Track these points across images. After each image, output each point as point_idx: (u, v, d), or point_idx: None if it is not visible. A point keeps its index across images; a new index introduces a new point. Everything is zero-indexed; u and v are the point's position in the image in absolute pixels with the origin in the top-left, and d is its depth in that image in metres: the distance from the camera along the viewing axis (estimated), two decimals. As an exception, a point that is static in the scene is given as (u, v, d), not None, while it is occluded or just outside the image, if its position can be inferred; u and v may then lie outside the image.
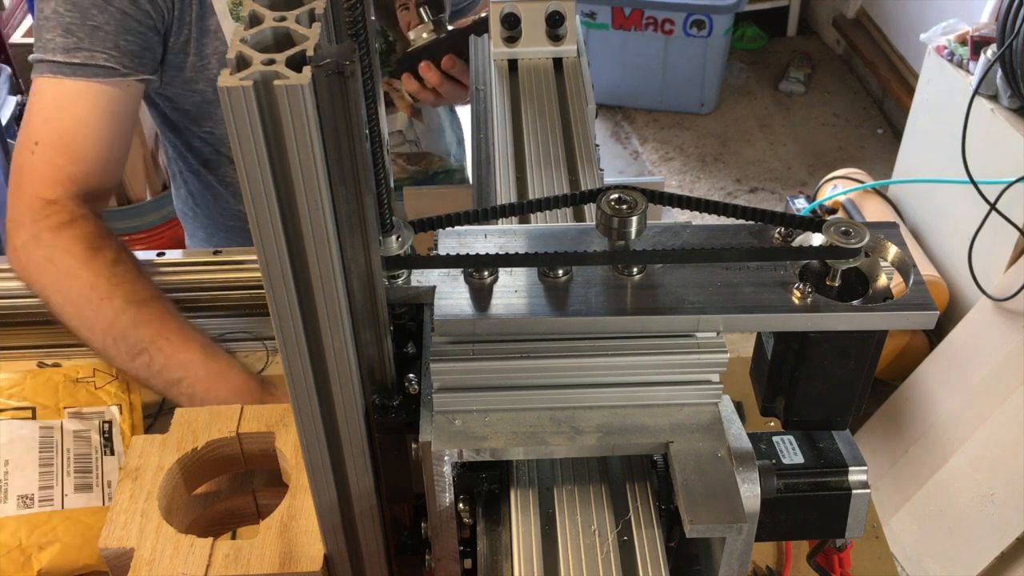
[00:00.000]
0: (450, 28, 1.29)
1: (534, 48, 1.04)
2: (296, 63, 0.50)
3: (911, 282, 0.65)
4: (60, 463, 0.98)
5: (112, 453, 1.02)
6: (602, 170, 0.92)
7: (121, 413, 1.05)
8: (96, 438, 1.01)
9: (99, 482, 1.00)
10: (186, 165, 1.39)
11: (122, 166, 1.16)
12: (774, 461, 0.70)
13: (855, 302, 0.64)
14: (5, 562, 0.91)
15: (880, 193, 2.60)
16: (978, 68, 2.11)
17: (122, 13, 1.08)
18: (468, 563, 0.72)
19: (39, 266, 1.05)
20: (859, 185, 2.57)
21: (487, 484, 0.68)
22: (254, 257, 0.61)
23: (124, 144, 1.15)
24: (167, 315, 1.04)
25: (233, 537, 0.96)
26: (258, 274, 0.57)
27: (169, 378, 1.01)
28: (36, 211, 1.06)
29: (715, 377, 0.66)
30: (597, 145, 0.94)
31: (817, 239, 0.67)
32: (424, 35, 1.27)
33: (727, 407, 0.67)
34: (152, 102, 1.28)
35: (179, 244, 2.63)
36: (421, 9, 1.27)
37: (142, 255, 1.17)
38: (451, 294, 0.65)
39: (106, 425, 1.03)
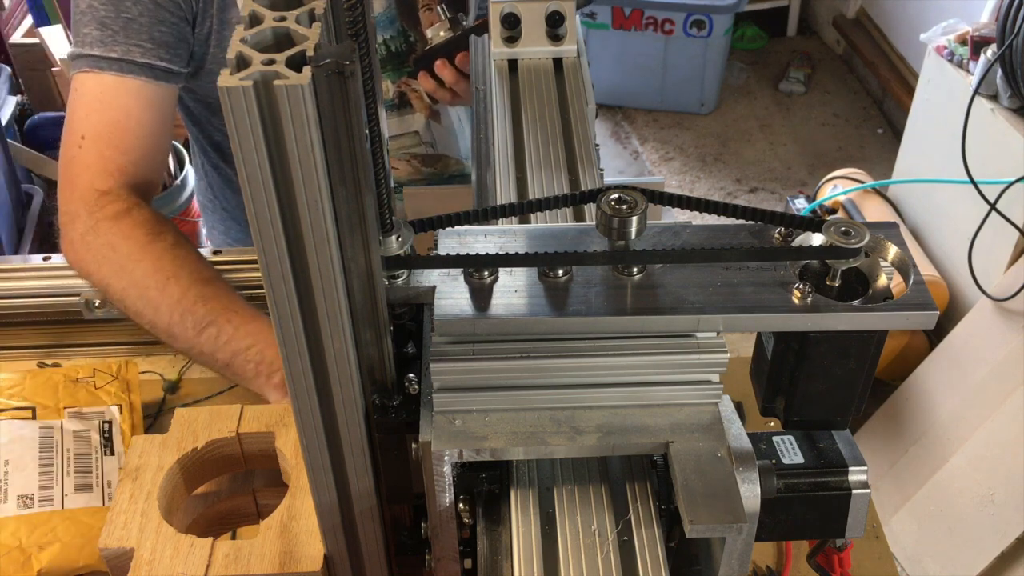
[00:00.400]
0: (466, 25, 1.28)
1: (534, 48, 1.04)
2: (296, 63, 0.50)
3: (911, 282, 0.65)
4: (60, 463, 0.98)
5: (112, 453, 1.02)
6: (602, 170, 0.92)
7: (121, 413, 1.05)
8: (96, 438, 1.01)
9: (99, 482, 1.00)
10: (207, 158, 1.40)
11: (167, 156, 1.21)
12: (774, 461, 0.70)
13: (855, 302, 0.64)
14: (5, 562, 0.91)
15: (880, 193, 2.60)
16: (978, 68, 2.11)
17: (155, 4, 1.08)
18: (468, 563, 0.72)
19: (100, 254, 1.07)
20: (859, 185, 2.57)
21: (487, 484, 0.68)
22: (254, 257, 0.61)
23: (167, 134, 1.16)
24: (231, 292, 1.06)
25: (233, 537, 0.96)
26: (258, 274, 0.57)
27: (236, 347, 1.02)
28: (91, 203, 1.07)
29: (715, 377, 0.66)
30: (597, 145, 0.94)
31: (817, 239, 0.67)
32: (441, 33, 1.26)
33: (727, 407, 0.67)
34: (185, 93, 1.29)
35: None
36: (439, 7, 1.27)
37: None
38: (451, 294, 0.65)
39: (106, 425, 1.03)
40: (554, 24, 1.03)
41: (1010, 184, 1.94)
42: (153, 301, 1.04)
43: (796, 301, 0.64)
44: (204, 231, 1.58)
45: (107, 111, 1.09)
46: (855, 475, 0.70)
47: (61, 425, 1.01)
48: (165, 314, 1.04)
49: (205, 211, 1.53)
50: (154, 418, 1.12)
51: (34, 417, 1.01)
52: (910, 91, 2.65)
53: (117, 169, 1.09)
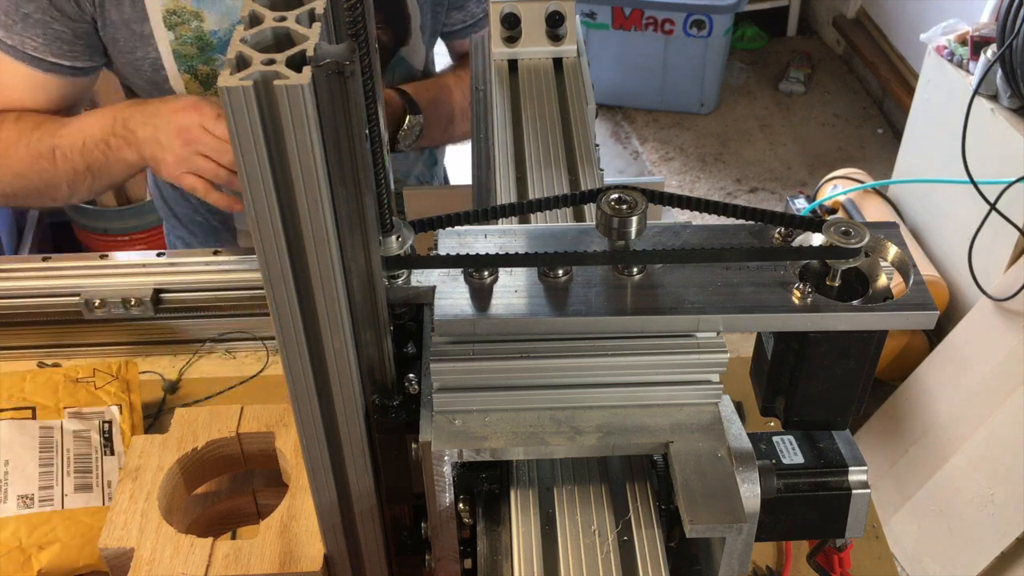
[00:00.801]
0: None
1: (534, 48, 1.04)
2: (296, 63, 0.50)
3: (911, 282, 0.65)
4: (60, 463, 0.98)
5: (112, 453, 1.02)
6: (602, 170, 0.92)
7: (121, 413, 1.05)
8: (96, 438, 1.01)
9: (99, 482, 1.00)
10: None
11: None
12: (774, 461, 0.70)
13: (855, 302, 0.64)
14: (5, 562, 0.91)
15: (880, 193, 2.60)
16: (978, 68, 2.11)
17: (49, 3, 1.16)
18: (468, 563, 0.72)
19: None
20: (859, 185, 2.57)
21: (487, 484, 0.68)
22: (253, 257, 0.62)
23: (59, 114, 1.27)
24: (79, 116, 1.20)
25: (233, 537, 0.96)
26: (258, 274, 0.57)
27: (70, 142, 1.17)
28: None
29: (715, 377, 0.66)
30: (597, 145, 0.94)
31: (817, 239, 0.67)
32: None
33: (727, 407, 0.67)
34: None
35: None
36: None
37: (142, 255, 1.17)
38: (451, 294, 0.65)
39: (106, 425, 1.03)
40: (554, 24, 1.03)
41: (1010, 184, 1.94)
42: (18, 160, 1.19)
43: (796, 301, 0.64)
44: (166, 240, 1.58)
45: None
46: (855, 475, 0.70)
47: (61, 425, 1.01)
48: (27, 164, 1.19)
49: (164, 220, 1.55)
50: (154, 418, 1.12)
51: (34, 417, 1.01)
52: (910, 91, 2.65)
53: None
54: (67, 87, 1.23)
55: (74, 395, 1.04)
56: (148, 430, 1.10)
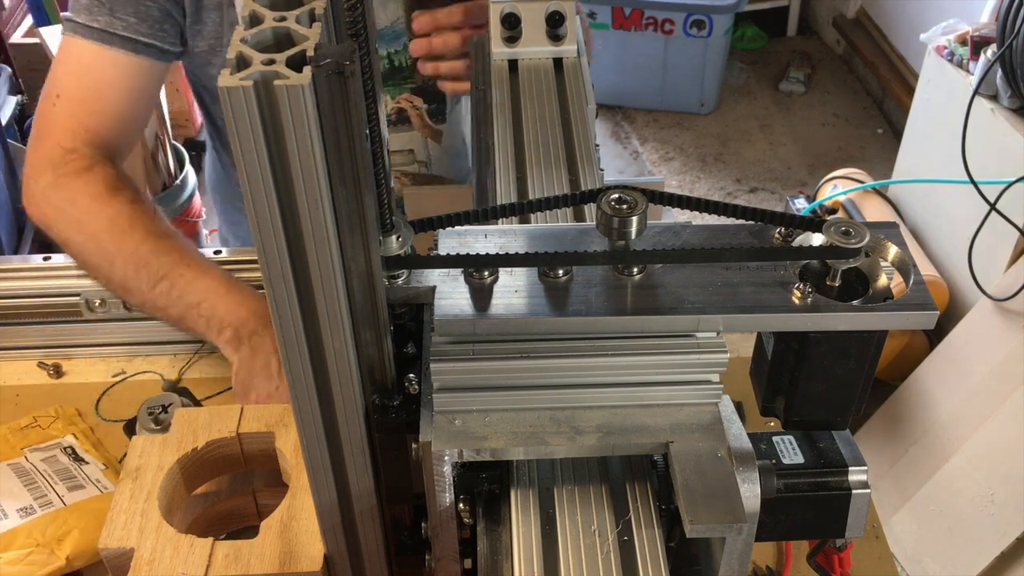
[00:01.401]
0: None
1: (534, 48, 1.04)
2: (296, 63, 0.50)
3: (911, 282, 0.65)
4: (44, 481, 0.99)
5: (87, 463, 1.03)
6: (602, 170, 0.92)
7: (77, 438, 1.06)
8: (64, 458, 1.03)
9: (89, 481, 1.00)
10: (213, 142, 1.42)
11: (141, 127, 1.21)
12: (774, 461, 0.70)
13: (855, 302, 0.64)
14: (30, 563, 0.91)
15: (880, 193, 2.60)
16: (978, 68, 2.11)
17: None
18: (468, 563, 0.72)
19: (59, 209, 1.09)
20: (859, 185, 2.57)
21: (487, 484, 0.68)
22: (254, 257, 0.61)
23: (144, 106, 1.19)
24: (186, 247, 1.08)
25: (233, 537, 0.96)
26: (258, 274, 0.57)
27: (189, 301, 1.04)
28: (56, 159, 1.09)
29: (715, 377, 0.66)
30: (597, 145, 0.94)
31: (817, 239, 0.67)
32: None
33: (727, 407, 0.67)
34: (188, 76, 1.30)
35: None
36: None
37: (142, 255, 1.17)
38: (451, 294, 0.65)
39: (68, 449, 1.04)
40: (554, 24, 1.03)
41: (1010, 184, 1.94)
42: (109, 254, 1.06)
43: (796, 301, 0.64)
44: (205, 231, 1.58)
45: (84, 76, 1.11)
46: (855, 475, 0.70)
47: (27, 459, 1.02)
48: (120, 268, 1.06)
49: (215, 192, 1.54)
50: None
51: (-3, 464, 1.02)
52: (910, 91, 2.65)
53: (85, 130, 1.11)
54: (154, 74, 1.15)
55: (26, 438, 1.05)
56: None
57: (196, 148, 3.11)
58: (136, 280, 1.06)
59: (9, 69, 2.78)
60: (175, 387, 1.15)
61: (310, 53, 0.51)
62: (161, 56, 1.15)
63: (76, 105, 1.12)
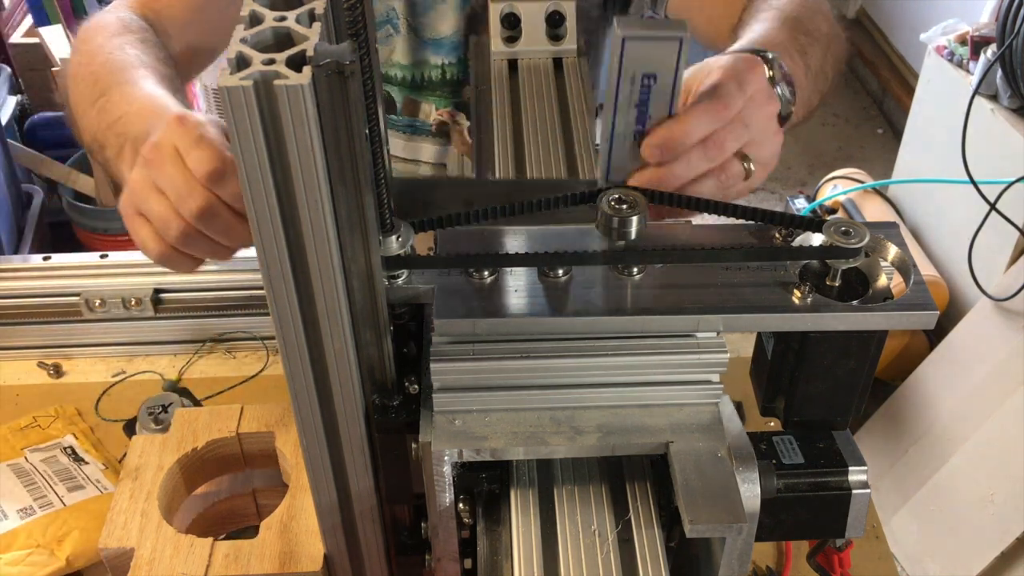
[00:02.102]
0: None
1: (534, 48, 1.04)
2: (296, 63, 0.50)
3: (911, 282, 0.65)
4: (44, 481, 0.99)
5: (87, 463, 1.03)
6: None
7: (77, 438, 1.06)
8: (64, 458, 1.03)
9: (88, 481, 1.00)
10: None
11: (195, 41, 1.04)
12: (774, 461, 0.70)
13: (855, 302, 0.64)
14: (29, 564, 0.91)
15: (880, 193, 2.60)
16: (978, 68, 2.11)
17: None
18: (468, 563, 0.72)
19: (78, 44, 0.97)
20: (859, 185, 2.57)
21: (487, 484, 0.68)
22: (253, 257, 0.61)
23: (207, 27, 1.03)
24: (156, 70, 0.90)
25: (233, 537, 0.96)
26: (258, 274, 0.57)
27: (111, 118, 0.84)
28: (107, 11, 0.99)
29: (715, 377, 0.66)
30: (597, 145, 0.94)
31: (817, 239, 0.67)
32: None
33: (727, 407, 0.67)
34: None
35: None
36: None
37: (142, 255, 1.17)
38: (451, 294, 0.65)
39: (68, 449, 1.04)
40: (554, 24, 1.03)
41: (1010, 184, 1.94)
42: (76, 72, 0.92)
43: (796, 301, 0.64)
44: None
45: None
46: (855, 475, 0.70)
47: (26, 458, 1.02)
48: (80, 82, 0.90)
49: None
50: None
51: (-3, 465, 1.02)
52: (910, 91, 2.65)
53: (145, 5, 1.01)
54: (223, 5, 0.98)
55: (26, 438, 1.05)
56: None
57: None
58: (86, 95, 0.88)
59: (9, 69, 2.78)
60: (175, 387, 1.14)
61: (310, 53, 0.51)
62: None
63: None
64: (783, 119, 0.77)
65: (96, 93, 0.87)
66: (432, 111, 1.30)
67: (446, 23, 1.22)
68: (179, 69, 0.97)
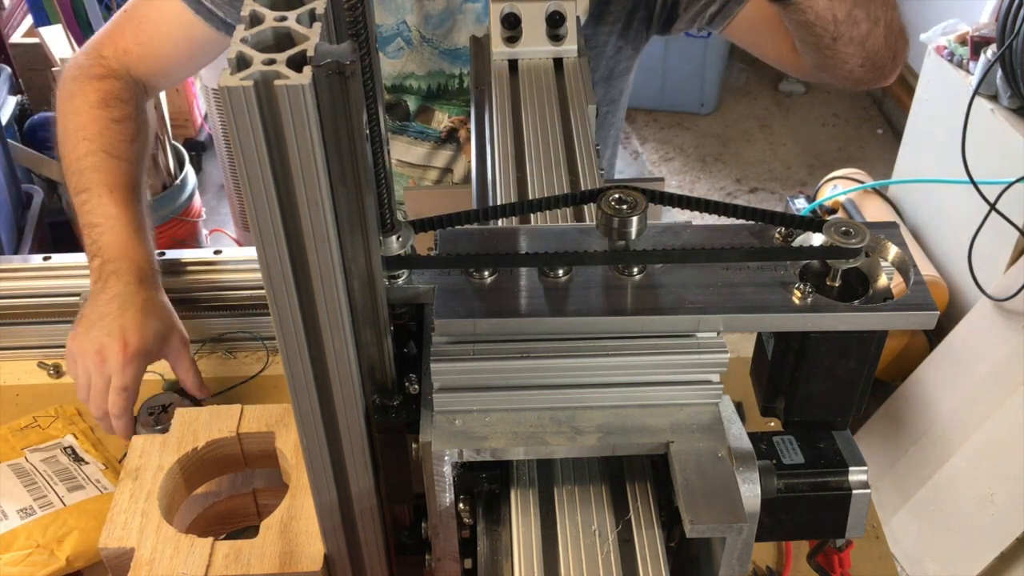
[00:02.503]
0: None
1: (534, 48, 1.04)
2: (297, 63, 0.50)
3: (911, 282, 0.65)
4: (44, 481, 0.99)
5: (87, 463, 1.03)
6: (602, 170, 0.92)
7: (77, 438, 1.06)
8: (64, 458, 1.02)
9: (88, 481, 1.00)
10: None
11: (174, 78, 1.25)
12: (774, 461, 0.70)
13: (855, 302, 0.64)
14: (30, 563, 0.91)
15: (880, 193, 2.60)
16: (978, 68, 2.11)
17: None
18: (468, 563, 0.72)
19: (64, 97, 1.16)
20: (859, 185, 2.57)
21: (487, 484, 0.68)
22: (254, 257, 0.61)
23: (185, 63, 1.23)
24: (129, 180, 1.11)
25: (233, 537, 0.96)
26: (258, 274, 0.57)
27: (91, 220, 1.08)
28: (90, 57, 1.17)
29: (715, 377, 0.66)
30: (597, 145, 0.94)
31: (817, 239, 0.67)
32: None
33: (727, 407, 0.67)
34: None
35: (179, 244, 2.63)
36: None
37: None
38: (451, 294, 0.65)
39: (68, 449, 1.04)
40: (554, 24, 1.03)
41: (1010, 184, 1.94)
42: (65, 150, 1.12)
43: (796, 301, 0.64)
44: (204, 231, 1.57)
45: (150, 8, 1.18)
46: (855, 475, 0.70)
47: (26, 458, 1.02)
48: (67, 165, 1.12)
49: None
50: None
51: (-4, 466, 1.02)
52: (910, 91, 2.65)
53: (123, 49, 1.17)
54: (207, 39, 1.17)
55: (26, 438, 1.05)
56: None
57: (196, 148, 3.11)
58: (68, 182, 1.11)
59: (9, 69, 2.78)
60: (175, 387, 1.15)
61: (310, 53, 0.51)
62: (221, 27, 1.16)
63: (130, 25, 1.18)
64: None
65: (79, 183, 1.10)
66: (445, 118, 1.31)
67: (463, 35, 1.22)
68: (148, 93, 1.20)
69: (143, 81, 1.20)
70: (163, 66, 1.20)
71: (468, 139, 1.32)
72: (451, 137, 1.33)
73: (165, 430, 0.93)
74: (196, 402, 1.07)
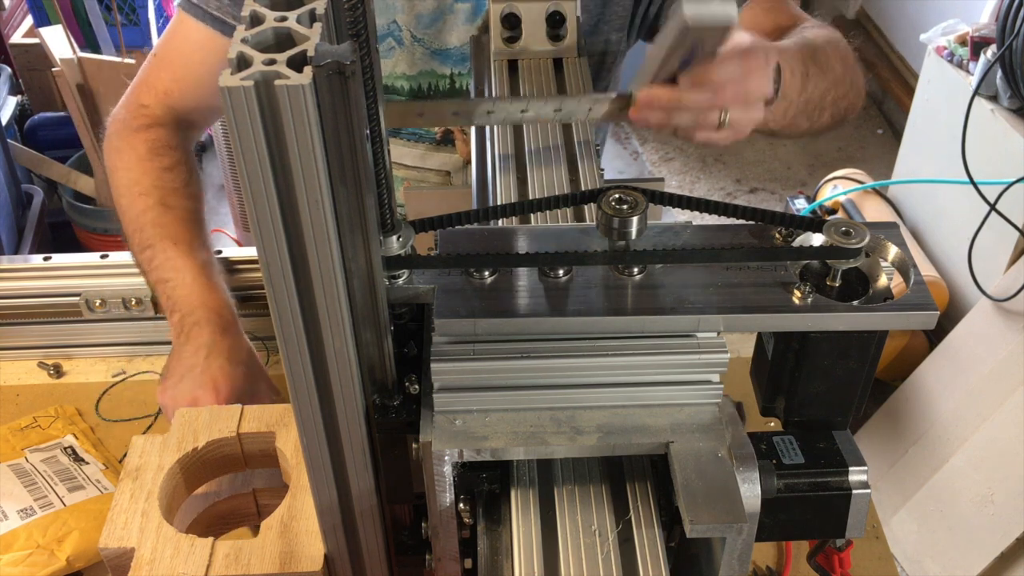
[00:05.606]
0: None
1: (534, 48, 1.04)
2: (297, 63, 0.50)
3: (911, 282, 0.65)
4: (44, 481, 0.99)
5: (87, 463, 1.03)
6: (602, 170, 0.92)
7: (77, 438, 1.06)
8: (64, 459, 1.02)
9: (89, 481, 1.00)
10: None
11: (218, 108, 1.22)
12: (774, 461, 0.70)
13: (855, 302, 0.64)
14: (30, 564, 0.91)
15: (880, 193, 2.60)
16: (978, 68, 2.11)
17: None
18: (468, 563, 0.72)
19: (111, 154, 1.17)
20: (859, 185, 2.57)
21: (487, 484, 0.68)
22: (254, 257, 0.62)
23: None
24: (188, 225, 1.11)
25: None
26: (258, 274, 0.57)
27: (160, 276, 1.07)
28: (130, 110, 1.18)
29: (715, 377, 0.66)
30: (598, 145, 0.94)
31: (817, 239, 0.67)
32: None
33: (727, 407, 0.67)
34: None
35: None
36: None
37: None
38: (451, 294, 0.65)
39: (68, 449, 1.04)
40: (554, 24, 1.03)
41: (1010, 184, 1.94)
42: (123, 208, 1.12)
43: (796, 301, 0.64)
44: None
45: (178, 42, 1.19)
46: (855, 475, 0.70)
47: (27, 459, 1.02)
48: (126, 223, 1.11)
49: None
50: (154, 418, 1.12)
51: (-3, 466, 1.02)
52: (910, 91, 2.65)
53: (163, 91, 1.18)
54: None
55: (26, 438, 1.05)
56: (147, 430, 1.10)
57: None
58: (132, 240, 1.10)
59: (9, 69, 2.78)
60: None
61: (311, 53, 0.51)
62: None
63: (162, 65, 1.19)
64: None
65: (142, 240, 1.09)
66: None
67: (454, 35, 1.22)
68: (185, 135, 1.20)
69: (190, 119, 1.20)
70: (206, 95, 1.19)
71: (464, 140, 1.32)
72: (446, 139, 1.33)
73: None
74: None
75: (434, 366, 0.64)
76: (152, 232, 1.09)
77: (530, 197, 0.85)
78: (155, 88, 1.17)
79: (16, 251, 2.42)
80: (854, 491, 0.70)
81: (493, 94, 1.00)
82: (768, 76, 0.86)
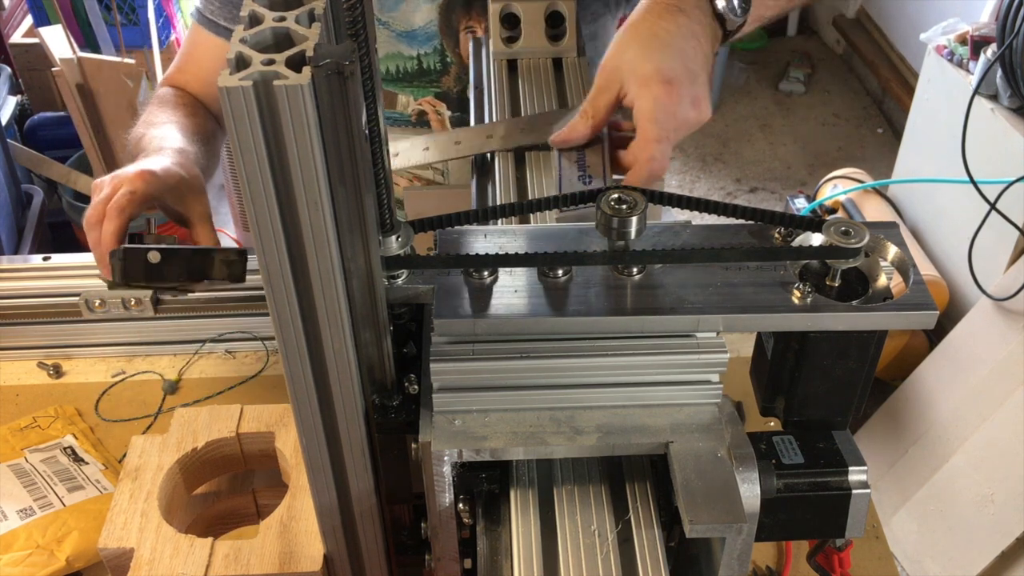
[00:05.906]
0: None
1: (534, 48, 1.04)
2: (296, 63, 0.50)
3: (911, 282, 0.65)
4: (44, 482, 0.99)
5: (87, 463, 1.03)
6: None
7: (77, 438, 1.06)
8: (64, 459, 1.03)
9: (88, 481, 1.00)
10: None
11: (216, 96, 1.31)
12: (774, 461, 0.70)
13: (855, 302, 0.64)
14: (30, 564, 0.91)
15: (880, 193, 2.60)
16: (978, 68, 2.11)
17: None
18: (468, 563, 0.72)
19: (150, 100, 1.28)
20: (859, 185, 2.57)
21: (487, 484, 0.68)
22: (254, 257, 0.61)
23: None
24: (175, 125, 1.16)
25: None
26: (258, 274, 0.57)
27: (138, 147, 1.10)
28: (168, 87, 1.29)
29: (715, 377, 0.66)
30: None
31: (817, 239, 0.67)
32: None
33: (727, 407, 0.67)
34: None
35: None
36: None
37: (142, 255, 1.17)
38: (451, 294, 0.65)
39: (68, 449, 1.04)
40: (554, 24, 1.03)
41: (1010, 184, 1.94)
42: (130, 140, 1.18)
43: (796, 301, 0.64)
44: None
45: (186, 44, 1.32)
46: (855, 475, 0.70)
47: (26, 459, 1.02)
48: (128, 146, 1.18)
49: None
50: (154, 418, 1.12)
51: (-4, 466, 1.02)
52: (910, 91, 2.65)
53: (175, 82, 1.30)
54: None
55: (26, 438, 1.05)
56: (147, 430, 1.10)
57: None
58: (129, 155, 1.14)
59: (9, 69, 2.78)
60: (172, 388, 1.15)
61: (310, 53, 0.51)
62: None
63: (177, 64, 1.31)
64: (728, 34, 0.88)
65: (133, 141, 1.15)
66: (411, 102, 1.32)
67: (419, 15, 1.24)
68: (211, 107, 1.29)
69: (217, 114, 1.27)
70: (208, 86, 1.27)
71: (440, 121, 1.33)
72: (421, 120, 1.34)
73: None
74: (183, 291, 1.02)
75: (434, 366, 0.64)
76: (140, 130, 1.14)
77: (530, 197, 0.85)
78: (171, 77, 1.28)
79: (16, 251, 2.41)
80: (854, 491, 0.69)
81: (492, 94, 1.00)
82: (667, 157, 0.88)
